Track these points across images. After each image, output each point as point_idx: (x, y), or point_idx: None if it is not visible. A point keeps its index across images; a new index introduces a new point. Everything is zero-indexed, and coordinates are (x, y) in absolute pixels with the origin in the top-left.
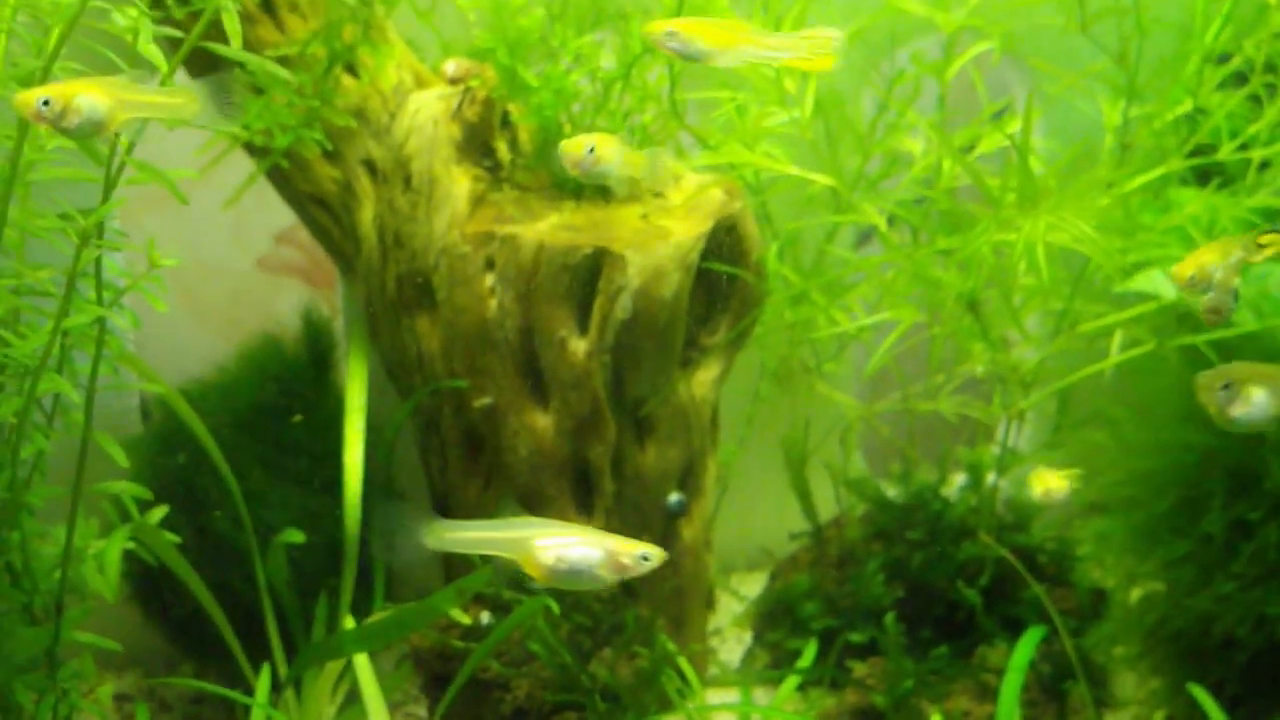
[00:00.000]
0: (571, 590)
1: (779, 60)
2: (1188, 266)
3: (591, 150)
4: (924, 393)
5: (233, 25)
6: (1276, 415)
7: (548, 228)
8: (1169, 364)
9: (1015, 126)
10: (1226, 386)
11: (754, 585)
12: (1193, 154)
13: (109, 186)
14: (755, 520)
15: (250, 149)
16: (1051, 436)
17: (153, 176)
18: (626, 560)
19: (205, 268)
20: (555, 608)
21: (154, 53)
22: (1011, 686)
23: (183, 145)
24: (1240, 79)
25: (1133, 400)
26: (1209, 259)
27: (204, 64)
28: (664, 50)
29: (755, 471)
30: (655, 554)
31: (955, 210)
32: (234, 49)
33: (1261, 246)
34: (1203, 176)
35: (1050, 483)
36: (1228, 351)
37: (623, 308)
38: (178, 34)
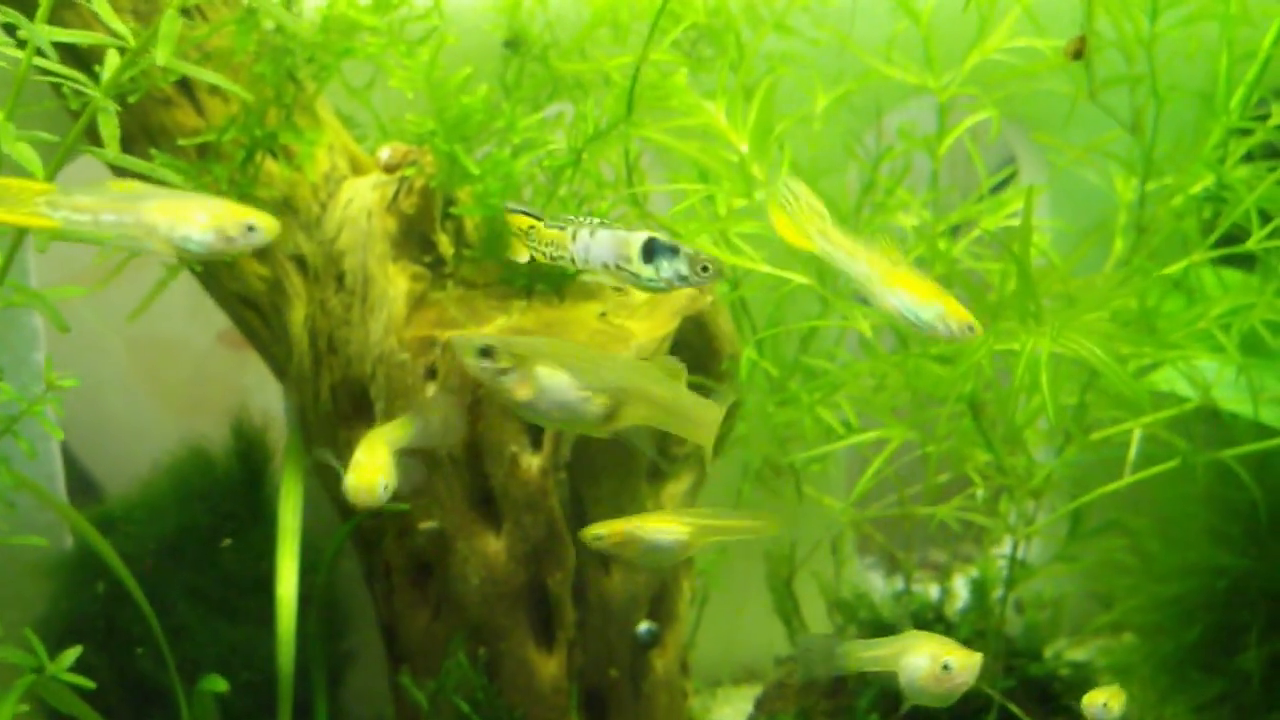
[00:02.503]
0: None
1: None
2: None
3: None
4: (920, 495)
5: (110, 128)
6: (574, 402)
7: (495, 332)
8: (1195, 474)
9: (1017, 205)
10: (486, 353)
11: (741, 702)
12: (1219, 242)
13: None
14: (741, 631)
15: None
16: (1065, 547)
17: (34, 301)
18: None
19: (165, 344)
20: None
21: (26, 153)
22: None
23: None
24: (1270, 151)
25: (1155, 510)
26: None
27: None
28: None
29: (740, 578)
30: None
31: None
32: (110, 153)
33: None
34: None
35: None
36: (1266, 466)
37: None
38: (51, 139)
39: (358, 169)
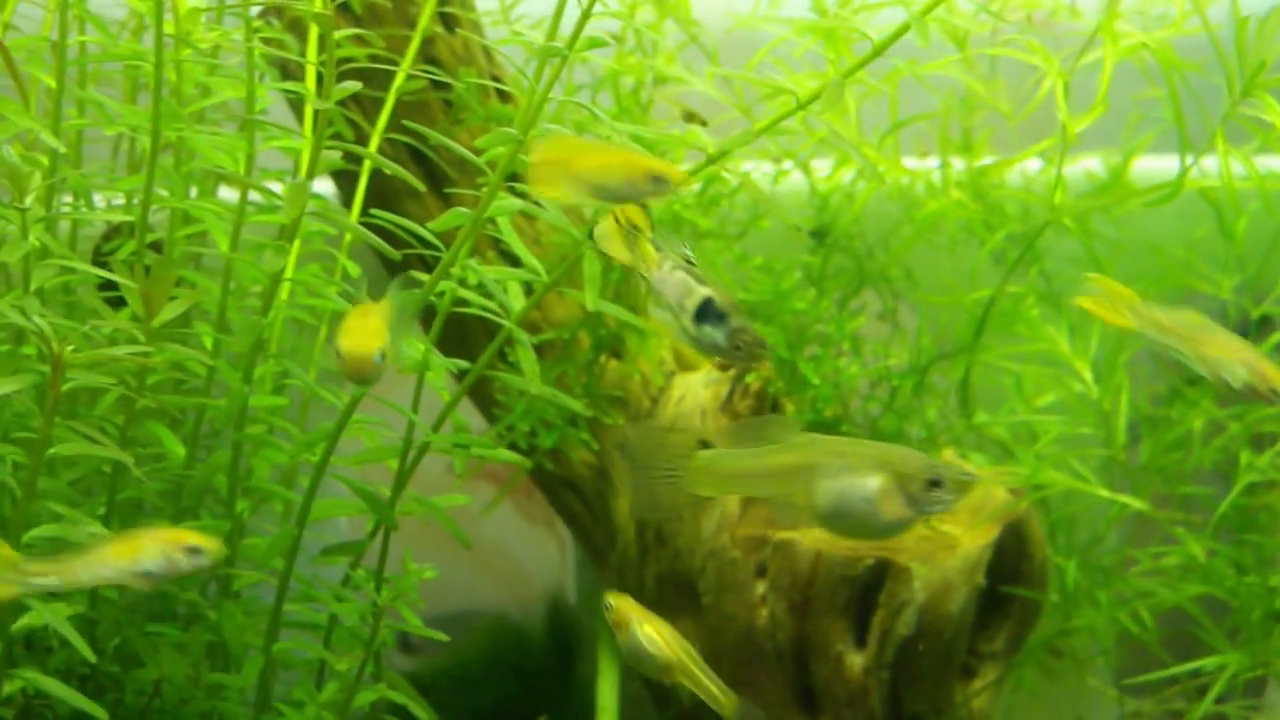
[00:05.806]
0: None
1: None
2: None
3: None
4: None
5: (529, 361)
6: None
7: (825, 534)
8: None
9: None
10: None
11: None
12: None
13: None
14: None
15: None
16: None
17: (432, 511)
18: None
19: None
20: None
21: None
22: None
23: None
24: None
25: None
26: None
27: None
28: None
29: None
30: None
31: None
32: (534, 385)
33: None
34: None
35: None
36: None
37: (906, 624)
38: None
39: (681, 361)
